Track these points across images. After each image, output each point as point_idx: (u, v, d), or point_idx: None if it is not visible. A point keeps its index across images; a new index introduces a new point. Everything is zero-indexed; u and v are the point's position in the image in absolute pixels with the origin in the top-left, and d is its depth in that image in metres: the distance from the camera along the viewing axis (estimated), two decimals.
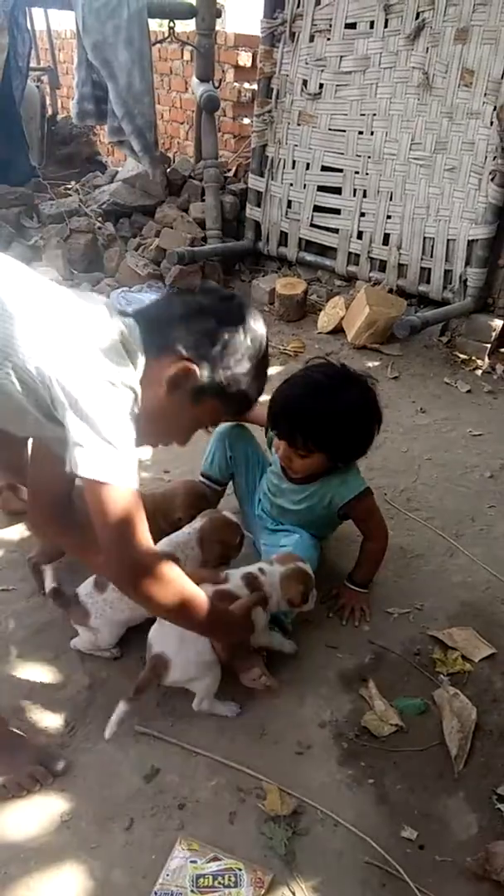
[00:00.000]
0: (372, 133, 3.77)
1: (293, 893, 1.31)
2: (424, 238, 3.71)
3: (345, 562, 2.08)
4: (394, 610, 1.98)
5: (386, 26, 3.54)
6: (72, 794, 1.47)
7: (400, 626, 1.93)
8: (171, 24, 4.33)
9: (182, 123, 6.44)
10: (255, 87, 4.97)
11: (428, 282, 3.76)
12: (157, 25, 4.55)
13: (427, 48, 3.44)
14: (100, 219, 4.53)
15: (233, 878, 1.29)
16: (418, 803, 1.49)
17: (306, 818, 1.43)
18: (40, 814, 1.43)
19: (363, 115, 3.77)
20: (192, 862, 1.32)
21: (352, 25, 3.67)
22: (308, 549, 1.88)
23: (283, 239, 4.33)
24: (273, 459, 1.98)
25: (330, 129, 3.93)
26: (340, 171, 3.96)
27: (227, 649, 1.59)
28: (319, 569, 1.88)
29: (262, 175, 4.29)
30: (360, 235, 3.97)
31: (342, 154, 3.93)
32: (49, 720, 1.62)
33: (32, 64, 5.14)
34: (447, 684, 1.73)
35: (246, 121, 5.56)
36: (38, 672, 1.73)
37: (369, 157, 3.82)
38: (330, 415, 1.68)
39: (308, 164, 4.08)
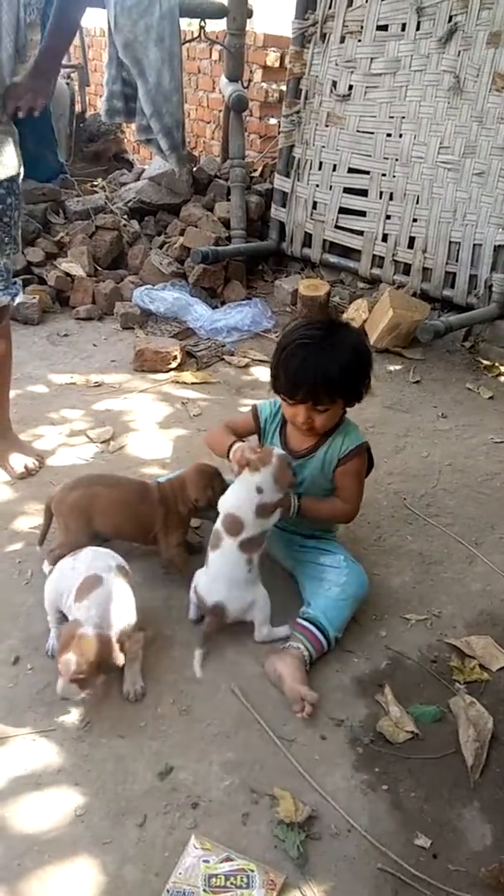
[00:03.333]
0: (400, 136, 3.75)
1: None
2: (450, 242, 3.69)
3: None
4: (411, 616, 1.97)
5: (418, 29, 3.53)
6: (86, 789, 1.48)
7: (417, 632, 1.92)
8: (202, 24, 4.34)
9: (209, 123, 6.45)
10: (282, 87, 4.97)
11: (452, 286, 3.73)
12: (186, 24, 4.56)
13: (459, 52, 3.42)
14: (125, 216, 4.55)
15: (245, 879, 1.29)
16: (433, 811, 1.48)
17: (319, 822, 1.43)
18: (55, 807, 1.44)
19: (392, 117, 3.76)
20: (204, 861, 1.32)
21: (383, 27, 3.66)
22: (355, 565, 1.94)
23: (307, 240, 4.33)
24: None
25: (358, 131, 3.92)
26: (367, 173, 3.94)
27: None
28: None
29: (288, 176, 4.29)
30: (385, 238, 3.95)
31: (370, 156, 3.92)
32: (65, 714, 1.63)
33: (63, 61, 5.16)
34: (464, 693, 1.72)
35: (273, 121, 5.56)
36: (54, 666, 1.73)
37: (397, 160, 3.81)
38: (339, 359, 1.75)
39: (335, 166, 4.07)
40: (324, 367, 1.73)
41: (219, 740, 1.59)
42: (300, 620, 1.82)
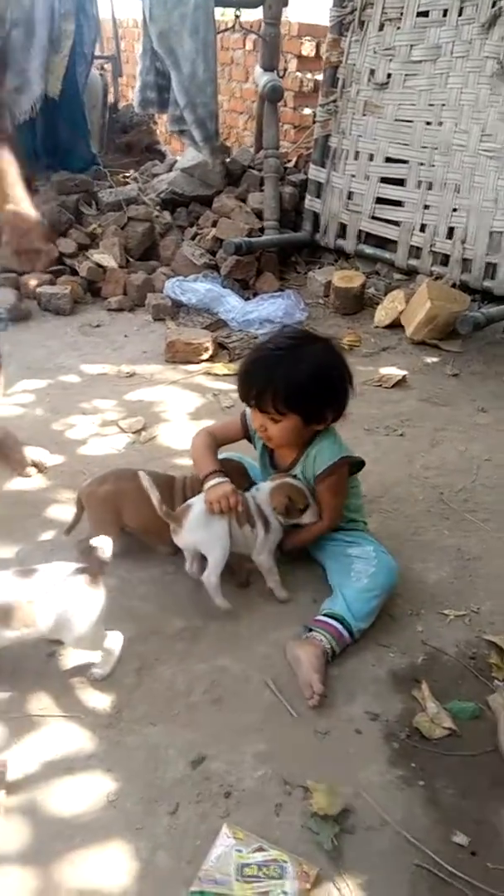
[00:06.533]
0: (440, 123, 3.69)
1: (339, 891, 1.27)
2: (491, 232, 3.61)
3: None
4: (449, 612, 1.92)
5: (460, 14, 3.46)
6: (118, 775, 1.47)
7: (455, 628, 1.88)
8: (237, 13, 4.32)
9: (241, 113, 6.41)
10: (318, 77, 4.92)
11: (493, 277, 3.65)
12: (220, 14, 4.53)
13: (502, 37, 3.33)
14: (157, 207, 4.55)
15: (278, 870, 1.27)
16: (470, 809, 1.44)
17: (354, 816, 1.40)
18: (87, 792, 1.43)
19: (432, 105, 3.69)
20: (237, 850, 1.30)
21: (424, 13, 3.60)
22: (385, 555, 1.91)
23: (342, 231, 4.28)
24: (261, 464, 2.01)
25: (396, 120, 3.87)
26: (405, 162, 3.89)
27: None
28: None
29: (323, 166, 4.24)
30: (422, 228, 3.89)
31: (408, 145, 3.86)
32: (97, 700, 1.62)
33: (96, 52, 5.16)
34: (503, 690, 1.67)
35: (307, 111, 5.50)
36: (87, 653, 1.72)
37: (436, 149, 3.74)
38: (294, 370, 1.70)
39: (372, 155, 4.01)
40: (275, 375, 1.71)
41: (252, 731, 1.57)
42: (321, 617, 1.78)
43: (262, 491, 1.89)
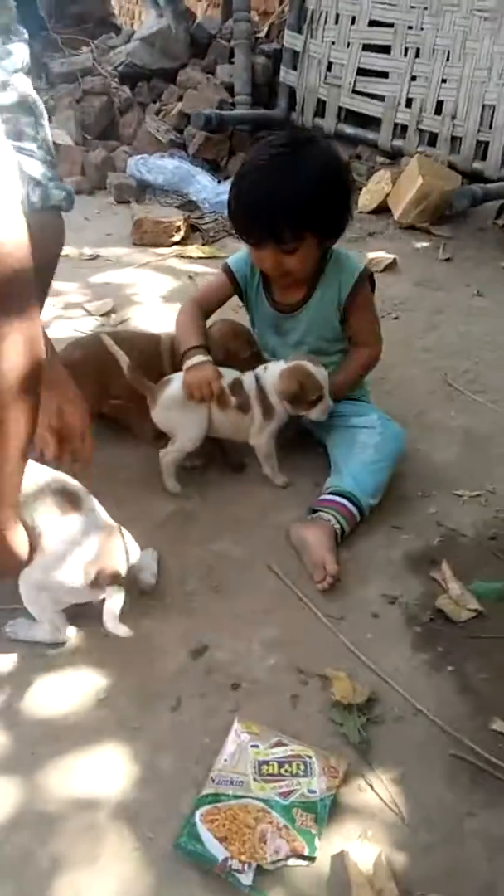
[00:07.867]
0: None
1: (371, 786, 1.12)
2: (484, 106, 3.30)
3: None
4: (463, 492, 1.75)
5: None
6: (109, 670, 1.27)
7: (471, 508, 1.71)
8: None
9: None
10: None
11: (484, 158, 3.37)
12: None
13: None
14: (115, 81, 4.07)
15: (302, 766, 1.10)
16: None
17: (380, 705, 1.24)
18: (72, 690, 1.24)
19: None
20: (253, 746, 1.13)
21: None
22: (389, 422, 1.73)
23: (321, 108, 3.89)
24: (259, 314, 1.80)
25: None
26: (391, 25, 3.50)
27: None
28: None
29: (300, 32, 3.81)
30: (409, 103, 3.55)
31: (394, 5, 3.46)
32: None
33: None
34: None
35: None
36: None
37: (426, 9, 3.37)
38: (304, 183, 1.46)
39: (354, 18, 3.61)
40: (281, 193, 1.45)
41: (257, 618, 1.39)
42: (327, 496, 1.60)
43: (270, 372, 1.63)
